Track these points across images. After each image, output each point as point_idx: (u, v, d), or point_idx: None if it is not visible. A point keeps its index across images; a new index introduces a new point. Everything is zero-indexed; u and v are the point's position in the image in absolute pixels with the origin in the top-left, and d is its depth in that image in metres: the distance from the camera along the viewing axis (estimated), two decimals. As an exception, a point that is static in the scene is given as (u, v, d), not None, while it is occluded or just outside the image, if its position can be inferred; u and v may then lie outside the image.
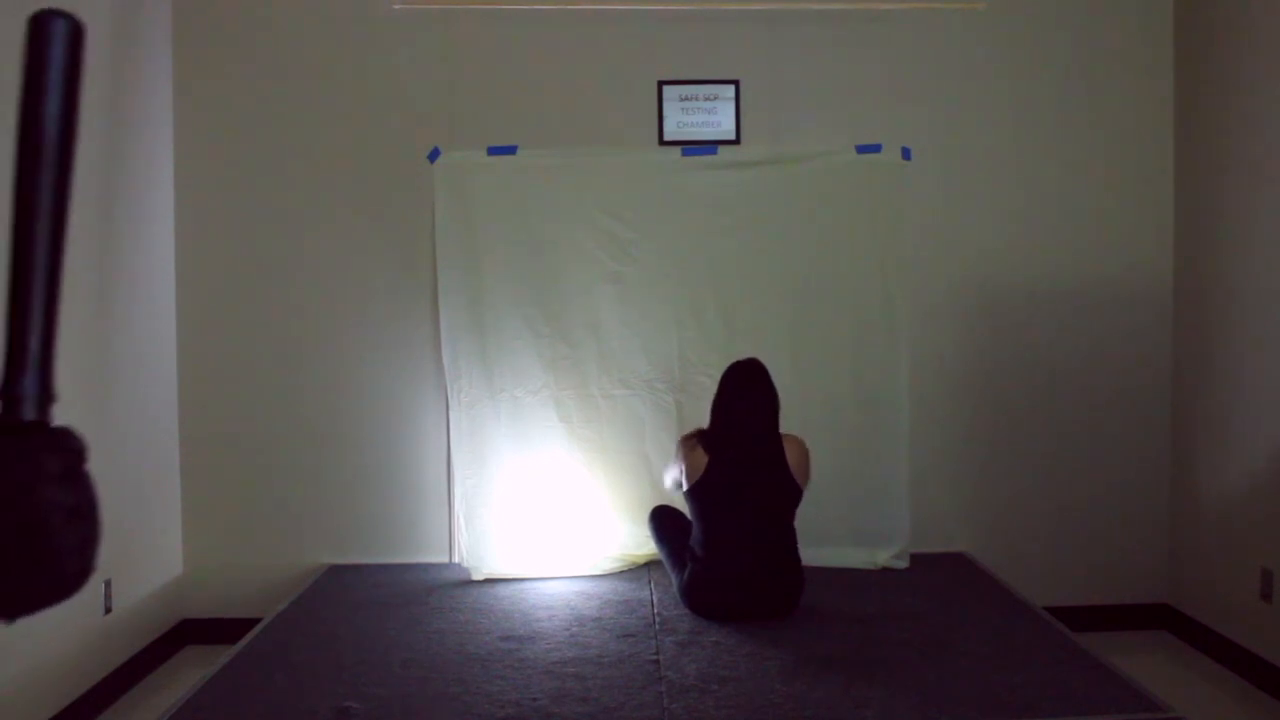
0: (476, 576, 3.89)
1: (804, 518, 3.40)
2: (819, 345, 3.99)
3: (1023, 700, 2.68)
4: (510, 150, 3.96)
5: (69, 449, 0.79)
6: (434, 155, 3.92)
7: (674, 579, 3.55)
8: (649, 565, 4.00)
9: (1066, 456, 4.18)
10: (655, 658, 3.03)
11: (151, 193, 3.93)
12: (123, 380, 3.67)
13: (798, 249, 3.96)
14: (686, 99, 4.11)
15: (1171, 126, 4.17)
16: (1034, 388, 4.19)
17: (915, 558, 3.97)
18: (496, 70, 4.10)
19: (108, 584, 3.49)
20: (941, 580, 3.80)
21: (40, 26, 0.77)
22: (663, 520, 3.69)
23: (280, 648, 3.19)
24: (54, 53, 0.78)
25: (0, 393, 0.74)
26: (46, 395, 0.78)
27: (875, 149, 4.04)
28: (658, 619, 3.41)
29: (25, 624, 2.74)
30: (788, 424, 3.43)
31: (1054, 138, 4.15)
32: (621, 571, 4.00)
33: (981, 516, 4.19)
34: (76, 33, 0.79)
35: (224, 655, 3.12)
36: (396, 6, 4.01)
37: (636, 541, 3.99)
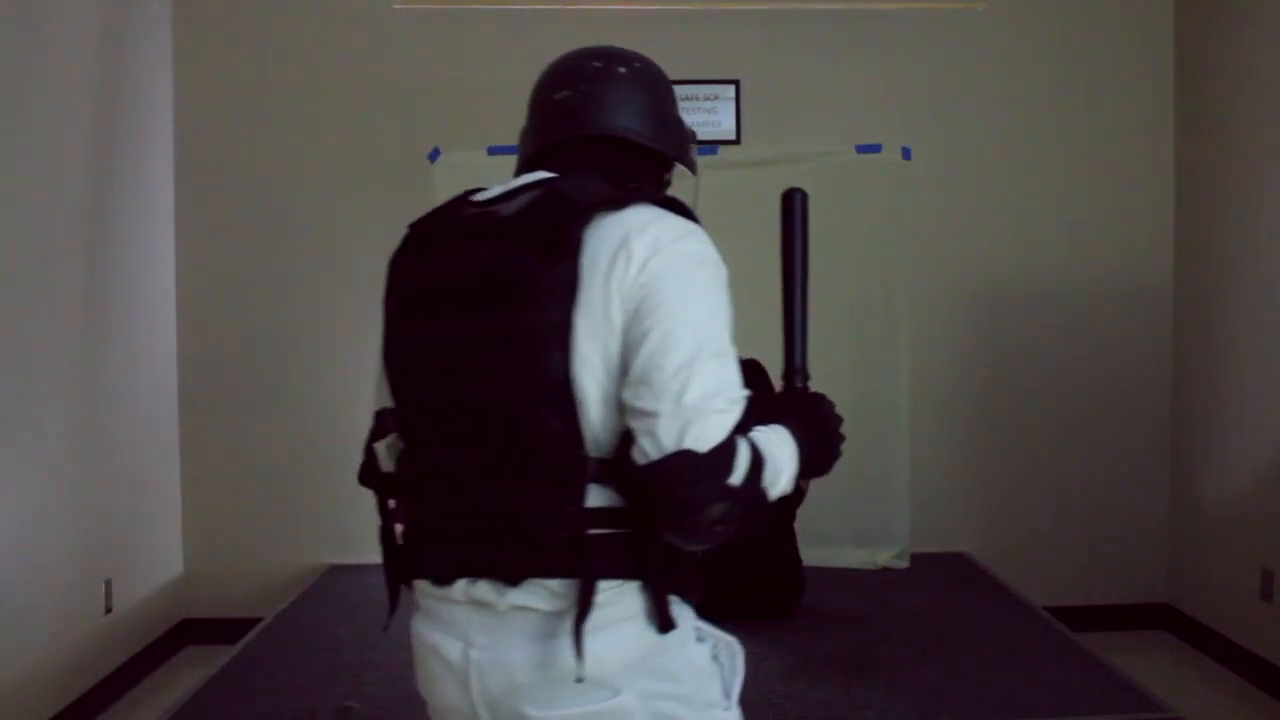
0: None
1: (804, 518, 3.40)
2: (819, 345, 3.97)
3: (1023, 700, 2.68)
4: (510, 150, 3.91)
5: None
6: (434, 155, 3.91)
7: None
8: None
9: (1066, 457, 4.17)
10: (655, 658, 3.03)
11: (152, 193, 3.93)
12: (123, 380, 3.67)
13: (798, 249, 3.96)
14: (686, 99, 4.10)
15: (1171, 126, 4.17)
16: (1034, 388, 4.18)
17: (915, 558, 3.97)
18: (496, 70, 4.09)
19: (108, 584, 3.49)
20: (941, 580, 3.80)
21: (790, 196, 1.45)
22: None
23: (280, 648, 3.19)
24: (797, 206, 1.44)
25: (785, 374, 1.41)
26: (806, 375, 1.42)
27: (875, 149, 4.03)
28: (658, 619, 3.41)
29: (25, 624, 2.72)
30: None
31: (1054, 138, 4.15)
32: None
33: (981, 516, 4.18)
34: (805, 197, 1.45)
35: (224, 655, 3.12)
36: (397, 6, 4.01)
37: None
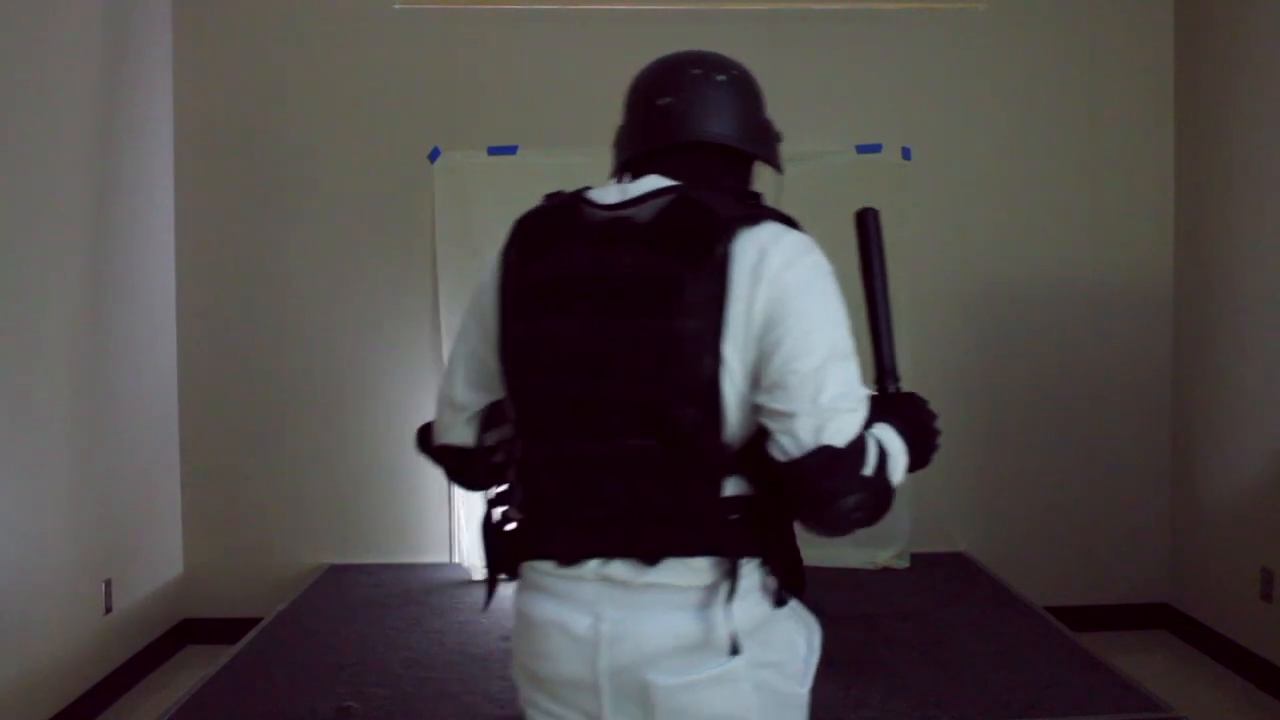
0: (477, 576, 3.89)
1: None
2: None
3: (1023, 700, 2.68)
4: (510, 150, 3.95)
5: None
6: (434, 155, 3.91)
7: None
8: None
9: (1066, 457, 4.17)
10: (655, 658, 3.03)
11: (151, 192, 3.93)
12: (122, 380, 3.67)
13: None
14: (686, 99, 4.10)
15: (1171, 127, 4.17)
16: (1034, 388, 4.18)
17: (915, 558, 3.97)
18: (496, 70, 4.10)
19: (108, 584, 3.49)
20: (941, 580, 3.80)
21: (864, 215, 1.54)
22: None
23: (280, 648, 3.19)
24: (871, 224, 1.53)
25: (878, 378, 1.50)
26: (897, 377, 1.52)
27: (875, 149, 4.03)
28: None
29: (25, 624, 2.73)
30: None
31: (1054, 137, 4.15)
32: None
33: (981, 516, 4.18)
34: (878, 215, 1.55)
35: (224, 655, 3.12)
36: (396, 6, 4.01)
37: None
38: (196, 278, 4.10)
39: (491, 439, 1.48)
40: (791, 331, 1.27)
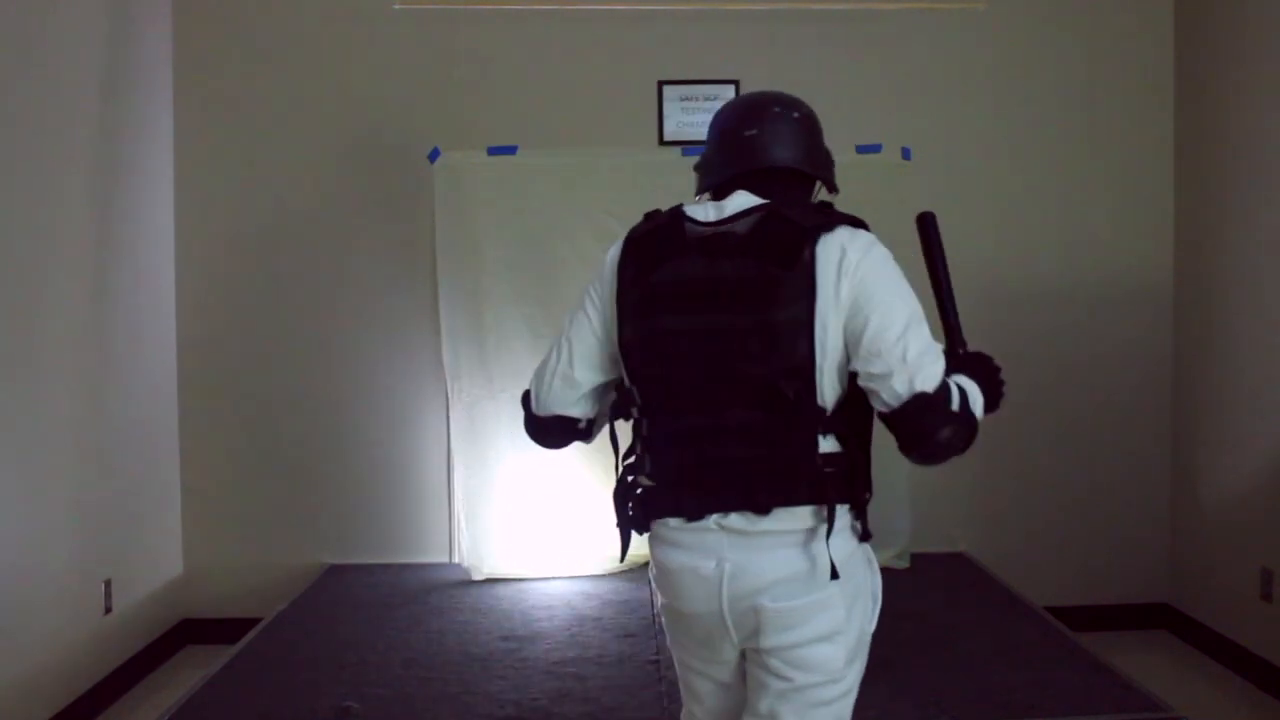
0: (476, 576, 3.89)
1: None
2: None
3: (1023, 700, 2.68)
4: (510, 150, 3.95)
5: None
6: (434, 155, 3.91)
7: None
8: (649, 565, 3.99)
9: (1066, 456, 4.17)
10: (655, 658, 3.04)
11: (152, 193, 3.93)
12: (123, 380, 3.67)
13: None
14: (686, 99, 4.11)
15: (1171, 126, 4.17)
16: (1034, 388, 4.17)
17: (915, 558, 3.97)
18: (496, 70, 4.10)
19: (108, 584, 3.49)
20: (941, 580, 3.80)
21: (925, 218, 1.87)
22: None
23: (280, 648, 3.19)
24: (931, 225, 1.85)
25: (949, 345, 1.74)
26: (964, 342, 1.78)
27: (875, 149, 4.03)
28: (658, 619, 3.40)
29: (25, 624, 2.73)
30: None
31: (1054, 138, 4.15)
32: (622, 571, 4.00)
33: (981, 516, 4.18)
34: (935, 216, 1.86)
35: (224, 655, 3.12)
36: (396, 6, 4.01)
37: (637, 541, 3.98)
38: (196, 277, 4.10)
39: (593, 412, 1.88)
40: (876, 310, 1.58)
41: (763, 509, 1.63)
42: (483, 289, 3.94)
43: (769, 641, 1.65)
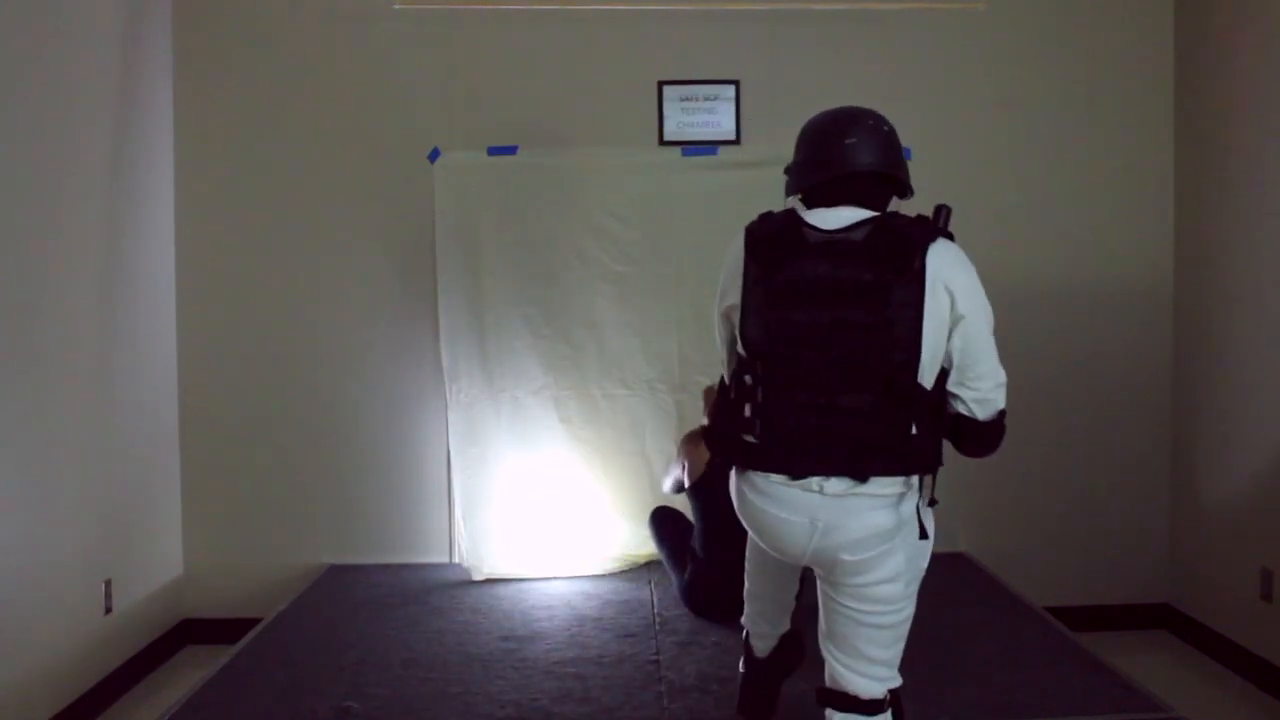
0: (476, 576, 3.89)
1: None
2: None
3: (1023, 700, 2.68)
4: (510, 150, 3.95)
5: None
6: (434, 155, 3.91)
7: (675, 579, 3.56)
8: (649, 565, 4.00)
9: (1066, 456, 4.17)
10: (655, 658, 3.04)
11: (152, 193, 3.93)
12: (123, 381, 3.67)
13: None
14: (686, 99, 4.11)
15: (1171, 126, 4.17)
16: (1034, 388, 4.17)
17: (915, 558, 3.97)
18: (496, 70, 4.10)
19: (108, 584, 3.49)
20: (941, 580, 3.79)
21: (939, 208, 2.05)
22: (663, 521, 3.70)
23: (280, 648, 3.19)
24: (943, 214, 2.06)
25: None
26: None
27: (875, 149, 4.03)
28: (658, 619, 3.41)
29: (25, 624, 2.73)
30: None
31: (1054, 138, 4.15)
32: (622, 571, 4.00)
33: (981, 516, 4.18)
34: (949, 211, 2.06)
35: (224, 655, 3.12)
36: (396, 6, 4.01)
37: (637, 541, 3.99)
38: (197, 278, 4.10)
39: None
40: (970, 325, 1.99)
41: (863, 477, 1.96)
42: (482, 289, 3.94)
43: (842, 580, 2.02)
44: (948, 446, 2.13)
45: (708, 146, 4.04)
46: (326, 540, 4.12)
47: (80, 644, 3.30)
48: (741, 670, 2.60)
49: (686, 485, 3.46)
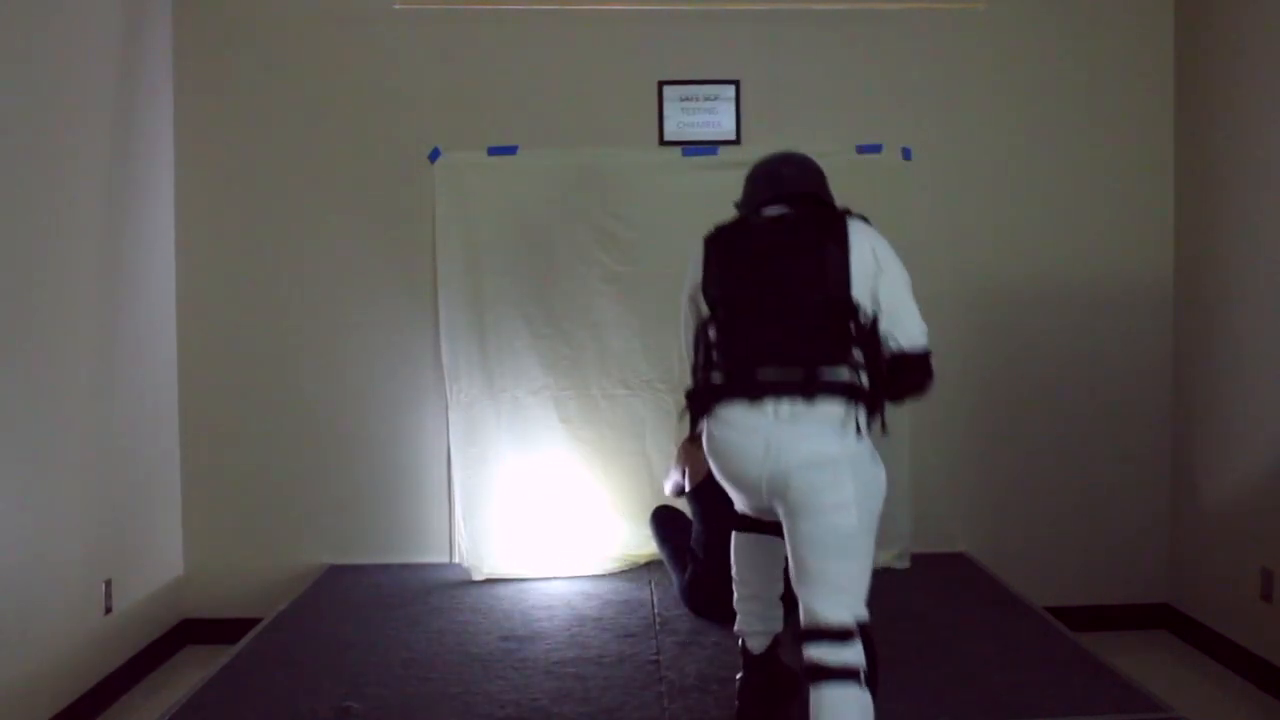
0: (476, 576, 3.90)
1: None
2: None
3: (1023, 700, 2.68)
4: (510, 150, 3.95)
5: None
6: (434, 155, 3.91)
7: (675, 579, 3.56)
8: (649, 565, 4.00)
9: (1066, 457, 4.17)
10: (655, 658, 3.04)
11: (152, 193, 3.93)
12: (123, 380, 3.67)
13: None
14: (687, 99, 4.11)
15: (1171, 126, 4.17)
16: (1034, 388, 4.19)
17: (915, 558, 3.97)
18: (496, 70, 4.10)
19: (108, 584, 3.49)
20: (941, 580, 3.80)
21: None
22: (664, 521, 3.70)
23: (280, 648, 3.19)
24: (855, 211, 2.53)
25: None
26: None
27: (875, 149, 4.04)
28: (658, 619, 3.41)
29: (25, 624, 2.74)
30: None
31: (1054, 138, 4.15)
32: (622, 571, 4.00)
33: (981, 516, 4.18)
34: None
35: (224, 655, 3.12)
36: (396, 6, 4.01)
37: (637, 541, 3.99)
38: (197, 278, 4.10)
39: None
40: (891, 282, 2.33)
41: (810, 396, 2.23)
42: (482, 289, 3.94)
43: (799, 511, 2.23)
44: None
45: (708, 146, 4.05)
46: (326, 540, 4.12)
47: (80, 644, 3.30)
48: (739, 676, 2.63)
49: (687, 489, 3.46)
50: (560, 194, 3.96)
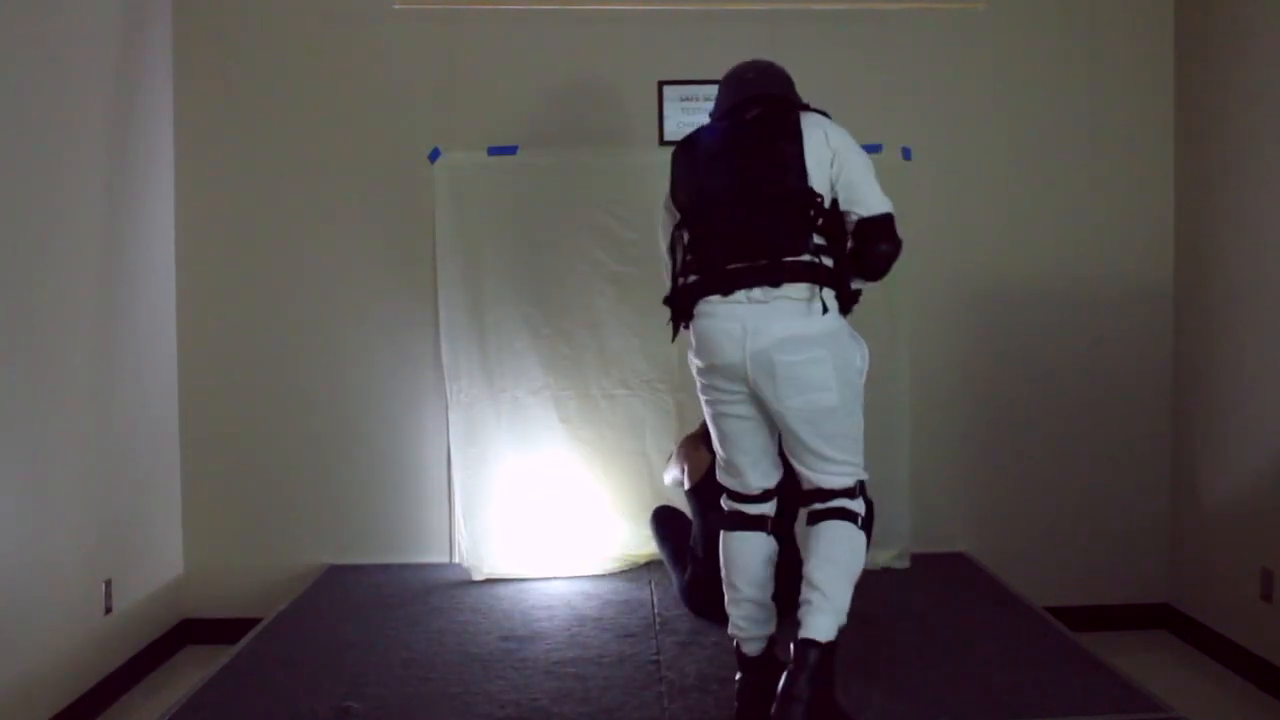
0: (476, 576, 3.89)
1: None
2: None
3: (1023, 700, 2.68)
4: (510, 150, 3.95)
5: None
6: (434, 155, 3.91)
7: (675, 579, 3.56)
8: (649, 565, 4.00)
9: (1066, 457, 4.17)
10: (655, 658, 3.04)
11: (152, 193, 3.93)
12: (123, 380, 3.67)
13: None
14: (686, 99, 4.11)
15: (1171, 127, 4.17)
16: (1034, 387, 4.18)
17: (915, 558, 3.97)
18: (496, 70, 4.10)
19: (108, 584, 3.49)
20: (941, 580, 3.80)
21: None
22: (664, 520, 3.70)
23: (280, 648, 3.19)
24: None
25: None
26: None
27: (875, 149, 4.01)
28: (658, 619, 3.41)
29: (25, 624, 2.74)
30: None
31: (1054, 138, 4.15)
32: (622, 571, 4.00)
33: (981, 516, 4.18)
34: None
35: (224, 655, 3.12)
36: (396, 6, 4.01)
37: (637, 541, 3.99)
38: (197, 278, 4.10)
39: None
40: (848, 163, 2.46)
41: (776, 282, 2.38)
42: (483, 289, 3.94)
43: (785, 393, 2.40)
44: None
45: (708, 146, 4.04)
46: (326, 540, 4.12)
47: (80, 644, 3.30)
48: (738, 678, 2.63)
49: (686, 487, 3.46)
50: (560, 194, 3.96)
